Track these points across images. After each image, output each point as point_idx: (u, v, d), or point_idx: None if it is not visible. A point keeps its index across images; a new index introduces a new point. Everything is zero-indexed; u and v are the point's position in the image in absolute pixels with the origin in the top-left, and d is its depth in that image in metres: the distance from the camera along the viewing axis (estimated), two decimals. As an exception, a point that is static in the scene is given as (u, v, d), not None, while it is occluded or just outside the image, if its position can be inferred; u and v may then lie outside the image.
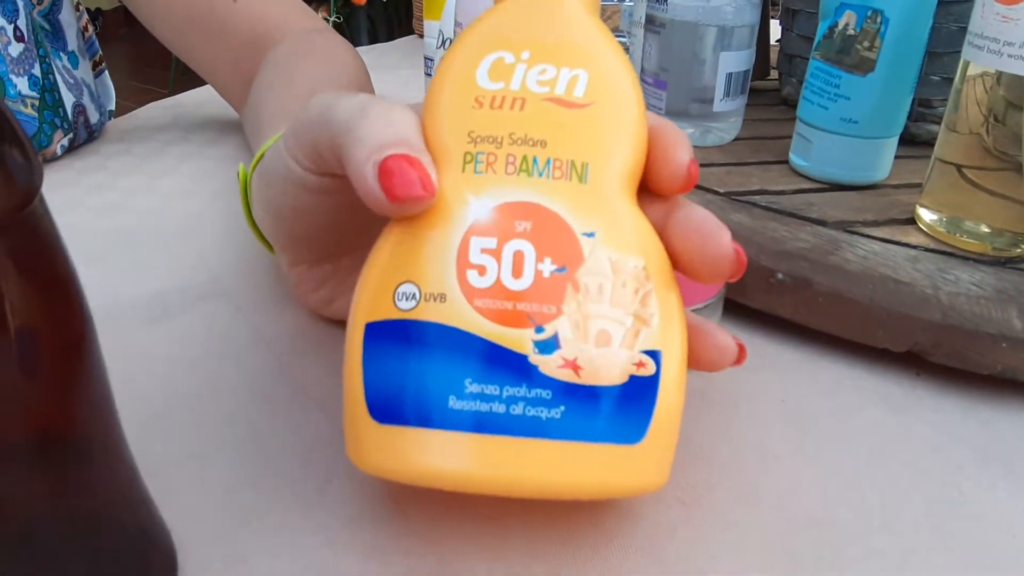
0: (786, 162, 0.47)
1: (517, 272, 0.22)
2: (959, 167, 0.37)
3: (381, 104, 0.24)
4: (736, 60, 0.47)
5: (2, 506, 0.18)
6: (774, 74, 0.67)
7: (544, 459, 0.22)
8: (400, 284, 0.23)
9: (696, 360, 0.25)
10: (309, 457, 0.28)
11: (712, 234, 0.23)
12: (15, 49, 0.53)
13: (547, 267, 0.22)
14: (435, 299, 0.22)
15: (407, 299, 0.23)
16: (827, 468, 0.28)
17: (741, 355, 0.25)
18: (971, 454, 0.29)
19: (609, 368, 0.22)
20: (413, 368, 0.22)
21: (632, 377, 0.22)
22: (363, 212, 0.27)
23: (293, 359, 0.33)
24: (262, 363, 0.33)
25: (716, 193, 0.42)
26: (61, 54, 0.59)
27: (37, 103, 0.55)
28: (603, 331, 0.22)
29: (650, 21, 0.50)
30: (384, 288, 0.23)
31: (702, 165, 0.46)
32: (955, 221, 0.38)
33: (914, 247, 0.37)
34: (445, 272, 0.22)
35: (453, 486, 0.22)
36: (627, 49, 0.59)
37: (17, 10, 0.53)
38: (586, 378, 0.22)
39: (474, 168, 0.23)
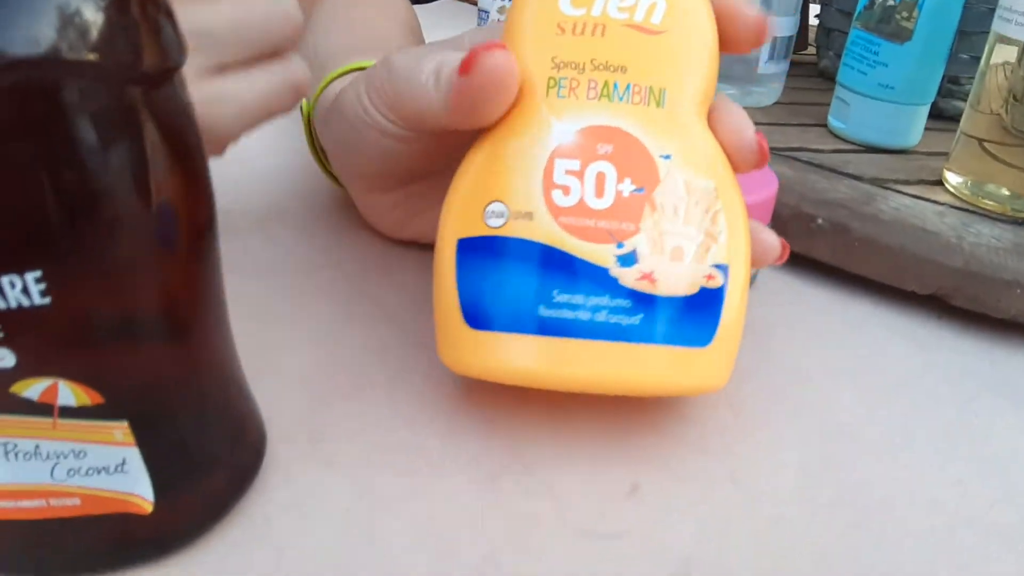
0: (824, 126, 0.50)
1: (599, 192, 0.24)
2: (981, 141, 0.41)
3: (454, 52, 0.27)
4: (781, 25, 0.50)
5: (142, 377, 0.20)
6: (811, 50, 0.70)
7: (624, 360, 0.24)
8: (489, 203, 0.25)
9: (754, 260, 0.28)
10: (384, 356, 0.31)
11: (741, 129, 0.26)
12: None
13: (627, 187, 0.24)
14: (523, 217, 0.25)
15: (497, 217, 0.25)
16: (857, 390, 0.32)
17: (784, 252, 0.28)
18: (984, 386, 0.33)
19: (682, 280, 0.25)
20: (505, 280, 0.25)
21: (702, 288, 0.25)
22: (439, 148, 0.30)
23: (361, 276, 0.36)
24: (330, 278, 0.36)
25: (759, 149, 0.45)
26: None
27: None
28: (677, 247, 0.25)
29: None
30: (474, 207, 0.25)
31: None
32: (978, 184, 0.41)
33: (941, 204, 0.40)
34: (532, 192, 0.25)
35: (544, 384, 0.25)
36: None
37: None
38: (662, 289, 0.24)
39: (557, 92, 0.25)
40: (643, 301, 0.24)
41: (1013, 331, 0.36)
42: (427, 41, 0.52)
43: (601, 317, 0.24)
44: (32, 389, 0.19)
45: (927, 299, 0.37)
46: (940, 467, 0.28)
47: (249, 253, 0.38)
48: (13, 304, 0.17)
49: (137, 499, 0.21)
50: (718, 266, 0.25)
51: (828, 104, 0.50)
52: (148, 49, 0.17)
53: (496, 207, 0.25)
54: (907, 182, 0.42)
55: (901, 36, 0.45)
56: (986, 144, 0.41)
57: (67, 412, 0.19)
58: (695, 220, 0.25)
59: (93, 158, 0.17)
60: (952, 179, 0.42)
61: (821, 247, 0.38)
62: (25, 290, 0.17)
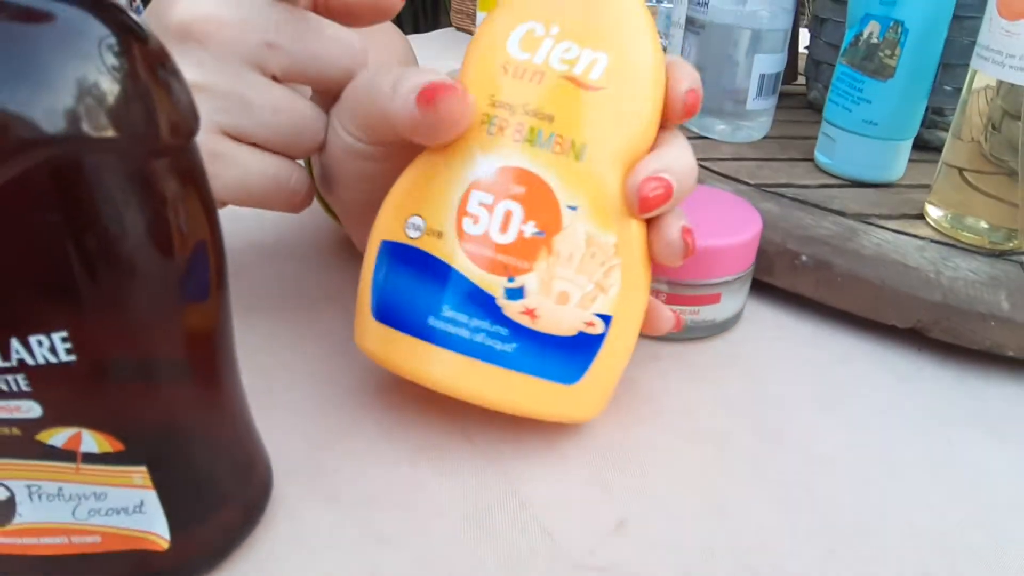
0: (811, 160, 0.52)
1: (504, 228, 0.27)
2: (961, 171, 0.42)
3: (418, 68, 0.28)
4: (769, 62, 0.52)
5: (160, 424, 0.22)
6: (801, 80, 0.72)
7: (492, 380, 0.27)
8: (412, 215, 0.28)
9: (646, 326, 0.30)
10: (381, 394, 0.32)
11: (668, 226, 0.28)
12: None
13: (529, 228, 0.27)
14: (435, 235, 0.27)
15: (415, 229, 0.28)
16: (840, 420, 0.33)
17: (678, 324, 0.32)
18: (960, 414, 0.34)
19: (562, 322, 0.27)
20: (408, 286, 0.27)
21: (580, 333, 0.27)
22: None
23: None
24: (331, 313, 0.38)
25: (747, 184, 0.47)
26: None
27: None
28: (564, 291, 0.27)
29: (690, 22, 0.54)
30: (399, 215, 0.28)
31: (734, 160, 0.51)
32: (958, 218, 0.42)
33: (922, 238, 0.41)
34: (447, 214, 0.27)
35: (422, 383, 0.28)
36: (664, 50, 0.63)
37: None
38: (540, 326, 0.27)
39: (488, 129, 0.27)
40: (520, 333, 0.27)
41: (990, 362, 0.37)
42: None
43: (479, 339, 0.27)
44: (57, 437, 0.20)
45: (907, 332, 0.38)
46: (916, 492, 0.30)
47: (252, 288, 0.39)
48: (40, 361, 0.19)
49: (154, 537, 0.22)
50: (602, 316, 0.27)
51: (816, 137, 0.52)
52: (164, 121, 0.19)
53: (416, 220, 0.28)
54: (890, 217, 0.44)
55: (884, 73, 0.46)
56: (966, 173, 0.42)
57: (89, 458, 0.21)
58: (588, 270, 0.27)
59: (115, 224, 0.18)
60: (933, 213, 0.44)
61: (805, 283, 0.40)
62: (52, 348, 0.19)
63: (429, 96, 0.26)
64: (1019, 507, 0.29)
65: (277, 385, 0.33)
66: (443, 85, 0.26)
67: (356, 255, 0.42)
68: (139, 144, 0.18)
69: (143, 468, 0.21)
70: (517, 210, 0.27)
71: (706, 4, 0.52)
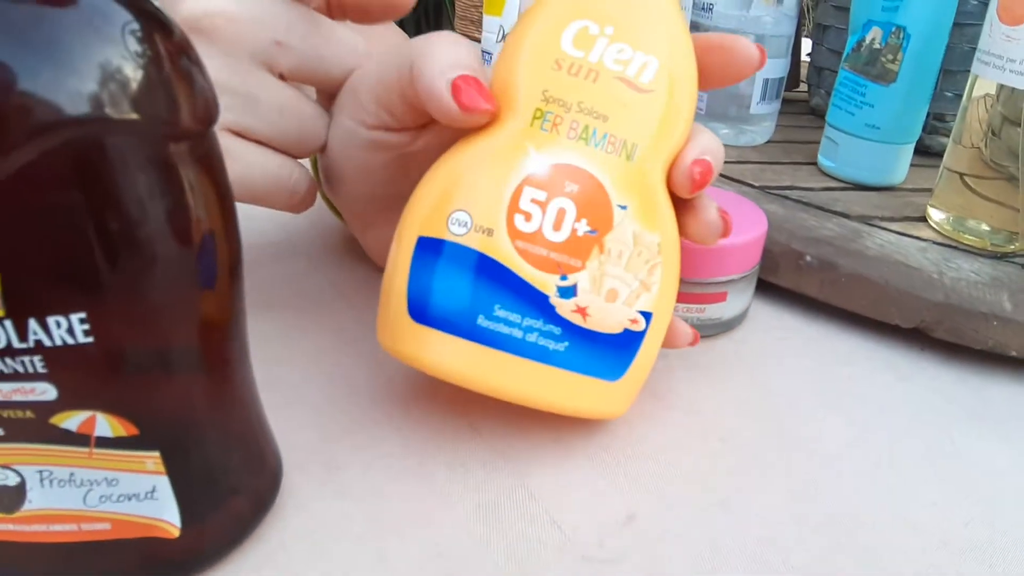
0: (814, 164, 0.52)
1: (557, 225, 0.26)
2: (962, 176, 0.42)
3: (443, 34, 0.28)
4: (772, 67, 0.52)
5: (174, 410, 0.22)
6: (803, 87, 0.72)
7: (542, 380, 0.27)
8: (455, 210, 0.27)
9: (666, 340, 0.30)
10: (391, 389, 0.33)
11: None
12: None
13: (582, 227, 0.26)
14: (484, 232, 0.26)
15: (459, 225, 0.27)
16: (844, 418, 0.33)
17: (695, 339, 0.32)
18: (963, 413, 0.34)
19: (610, 319, 0.27)
20: (455, 286, 0.26)
21: (626, 330, 0.27)
22: (419, 164, 0.31)
23: (369, 308, 0.38)
24: (340, 310, 0.38)
25: (751, 186, 0.47)
26: None
27: None
28: (613, 289, 0.27)
29: (695, 27, 0.54)
30: (439, 209, 0.27)
31: (738, 163, 0.51)
32: (960, 220, 0.43)
33: (924, 240, 0.42)
34: (497, 211, 0.26)
35: (470, 387, 0.27)
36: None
37: None
38: (591, 324, 0.27)
39: (541, 125, 0.27)
40: (572, 331, 0.27)
41: (990, 361, 0.38)
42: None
43: (532, 338, 0.27)
44: (71, 420, 0.20)
45: (910, 331, 0.38)
46: (918, 489, 0.30)
47: (262, 285, 0.39)
48: (58, 342, 0.19)
49: (165, 524, 0.22)
50: (644, 313, 0.27)
51: (819, 142, 0.52)
52: (185, 106, 0.19)
53: (460, 216, 0.27)
54: (892, 219, 0.44)
55: (886, 78, 0.47)
56: (967, 178, 0.42)
57: (103, 442, 0.21)
58: (635, 268, 0.27)
59: (136, 208, 0.19)
60: (935, 215, 0.44)
61: (810, 283, 0.40)
62: (70, 330, 0.19)
63: (457, 93, 0.26)
64: (1021, 505, 0.29)
65: (288, 379, 0.33)
66: (470, 88, 0.26)
67: (364, 253, 0.42)
68: (160, 127, 0.19)
69: (156, 453, 0.21)
70: (571, 208, 0.26)
71: (710, 9, 0.52)
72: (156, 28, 0.19)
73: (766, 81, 0.52)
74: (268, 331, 0.35)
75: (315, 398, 0.32)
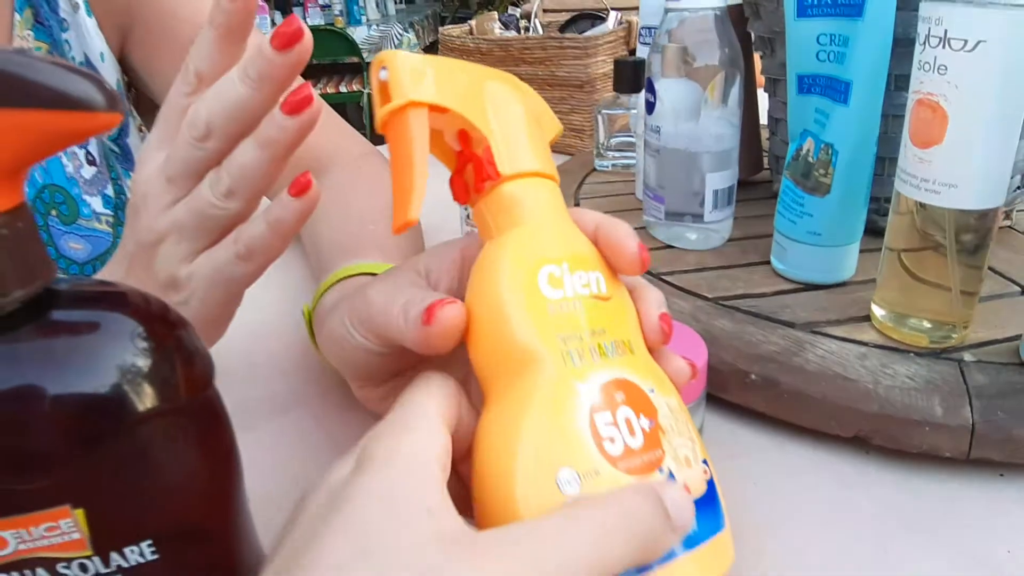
0: (769, 263, 0.56)
1: (631, 433, 0.29)
2: (899, 253, 0.46)
3: (422, 292, 0.33)
4: (721, 179, 0.57)
5: None
6: (767, 171, 0.76)
7: (702, 560, 0.28)
8: (556, 471, 0.28)
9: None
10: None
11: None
12: (88, 172, 0.61)
13: (644, 423, 0.29)
14: (592, 475, 0.28)
15: (571, 484, 0.27)
16: (787, 535, 0.37)
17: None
18: (899, 522, 0.38)
19: (698, 480, 0.29)
20: None
21: (708, 482, 0.30)
22: (419, 356, 0.36)
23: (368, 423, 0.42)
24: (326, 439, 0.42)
25: (705, 299, 0.51)
26: (131, 174, 0.65)
27: (111, 219, 0.62)
28: (686, 456, 0.30)
29: (647, 145, 0.59)
30: (540, 481, 0.27)
31: (696, 271, 0.55)
32: (901, 317, 0.46)
33: (865, 344, 0.45)
34: (590, 452, 0.28)
35: None
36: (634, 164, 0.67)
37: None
38: (695, 493, 0.29)
39: (572, 361, 0.30)
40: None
41: (929, 462, 0.41)
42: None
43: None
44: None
45: (852, 439, 0.42)
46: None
47: (264, 445, 0.44)
48: (132, 563, 0.24)
49: None
50: (703, 461, 0.31)
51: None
52: (185, 383, 0.25)
53: (566, 474, 0.28)
54: (838, 322, 0.48)
55: (820, 191, 0.51)
56: (903, 255, 0.45)
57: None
58: (683, 431, 0.30)
59: (172, 467, 0.25)
60: (878, 312, 0.47)
61: (756, 399, 0.44)
62: (141, 553, 0.24)
63: (428, 317, 0.30)
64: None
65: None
66: (435, 306, 0.30)
67: (352, 401, 0.46)
68: (168, 402, 0.24)
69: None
70: (631, 413, 0.29)
71: (659, 131, 0.57)
72: (156, 323, 0.24)
73: (716, 192, 0.57)
74: (265, 494, 0.40)
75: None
